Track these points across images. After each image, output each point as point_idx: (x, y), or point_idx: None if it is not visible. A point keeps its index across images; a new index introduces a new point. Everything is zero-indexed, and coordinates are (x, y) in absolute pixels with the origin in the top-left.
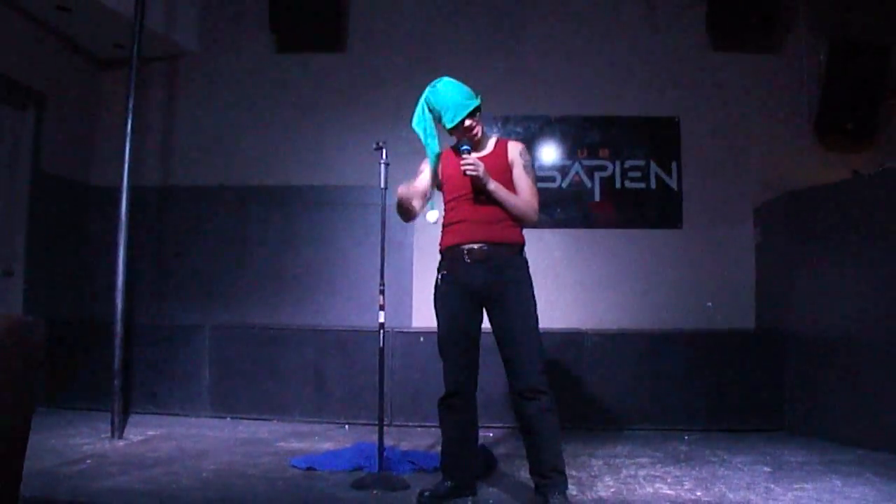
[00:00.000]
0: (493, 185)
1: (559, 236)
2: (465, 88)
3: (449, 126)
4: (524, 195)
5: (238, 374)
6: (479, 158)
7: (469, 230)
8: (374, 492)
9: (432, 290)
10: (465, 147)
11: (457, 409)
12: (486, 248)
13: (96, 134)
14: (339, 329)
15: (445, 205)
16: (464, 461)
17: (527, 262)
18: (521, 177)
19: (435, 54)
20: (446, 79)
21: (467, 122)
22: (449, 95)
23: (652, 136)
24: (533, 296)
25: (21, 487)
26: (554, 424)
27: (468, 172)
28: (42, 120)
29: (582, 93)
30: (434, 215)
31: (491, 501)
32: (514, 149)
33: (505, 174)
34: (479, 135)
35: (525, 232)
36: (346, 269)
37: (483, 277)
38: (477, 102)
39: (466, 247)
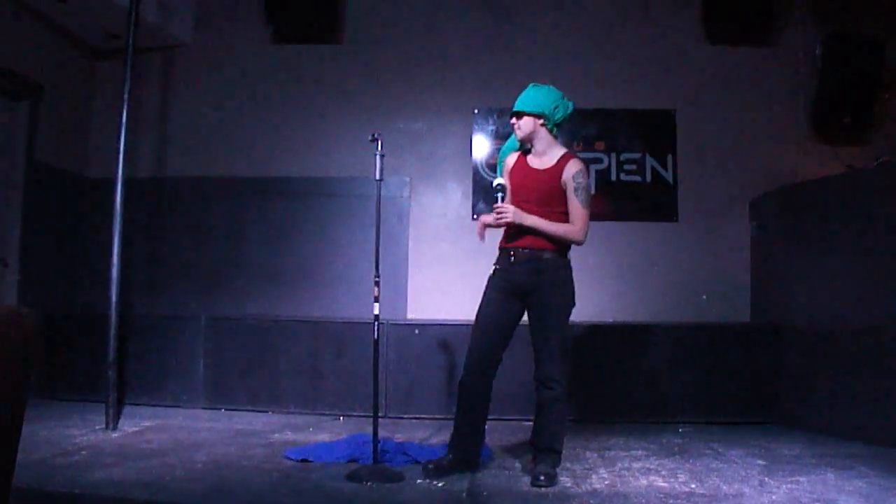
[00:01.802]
0: (529, 222)
1: None
2: (535, 96)
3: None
4: (572, 220)
5: (233, 365)
6: (536, 170)
7: (517, 234)
8: (369, 483)
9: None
10: (498, 193)
11: (470, 389)
12: (529, 251)
13: (91, 125)
14: (334, 321)
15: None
16: (468, 439)
17: (568, 265)
18: (571, 199)
19: (431, 46)
20: (534, 84)
21: (512, 120)
22: (521, 94)
23: (648, 128)
24: (569, 297)
25: (14, 478)
26: (562, 413)
27: (493, 224)
28: (37, 110)
29: (577, 85)
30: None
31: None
32: (570, 169)
33: (553, 191)
34: (520, 136)
35: None
36: (342, 261)
37: (525, 277)
38: (521, 108)
39: (513, 249)
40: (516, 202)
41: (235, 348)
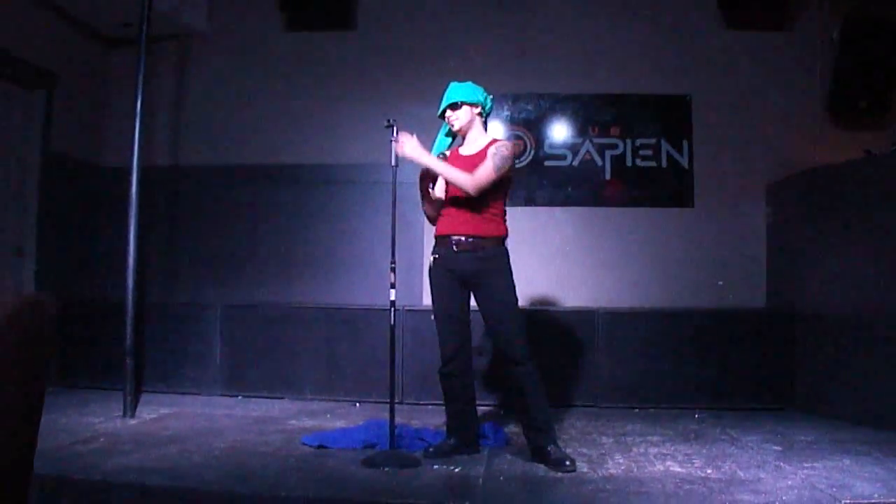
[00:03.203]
0: (425, 160)
1: (570, 214)
2: (467, 88)
3: (438, 114)
4: (475, 171)
5: (249, 352)
6: (465, 157)
7: (457, 222)
8: (385, 469)
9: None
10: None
11: (453, 375)
12: (471, 240)
13: (106, 114)
14: (350, 307)
15: (444, 195)
16: (464, 421)
17: (507, 252)
18: (485, 161)
19: (444, 32)
20: (455, 82)
21: (448, 113)
22: (447, 91)
23: (663, 114)
24: (512, 281)
25: (34, 465)
26: (539, 387)
27: (399, 153)
28: (52, 100)
29: (593, 70)
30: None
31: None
32: (493, 145)
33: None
34: (457, 127)
35: (535, 210)
36: (357, 248)
37: (468, 265)
38: (458, 99)
39: (455, 237)
40: (451, 192)
41: (252, 335)
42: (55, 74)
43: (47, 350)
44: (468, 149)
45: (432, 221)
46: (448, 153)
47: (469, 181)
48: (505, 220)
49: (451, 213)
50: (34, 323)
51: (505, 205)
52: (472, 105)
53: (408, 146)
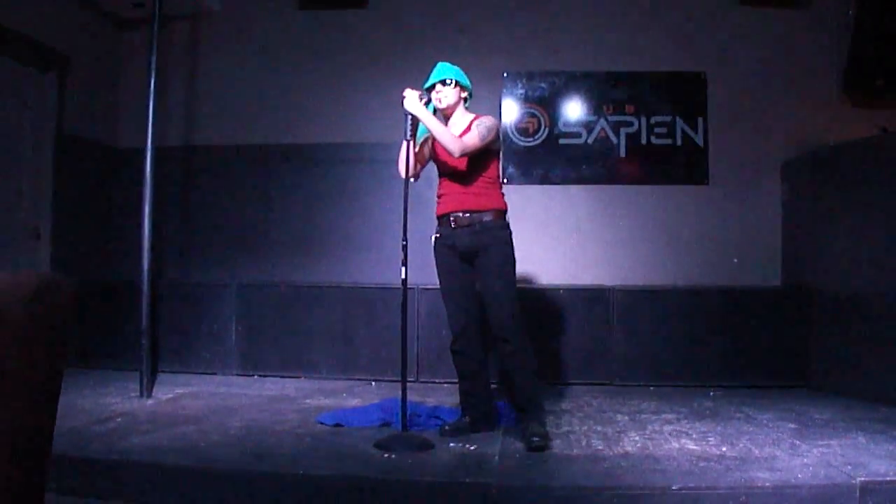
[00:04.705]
0: (421, 114)
1: (585, 192)
2: (459, 71)
3: (424, 87)
4: (461, 135)
5: (265, 331)
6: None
7: (454, 201)
8: (392, 456)
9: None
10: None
11: (464, 350)
12: (468, 215)
13: (119, 95)
14: (364, 286)
15: (438, 179)
16: (477, 398)
17: (506, 226)
18: (471, 130)
19: (458, 10)
20: (444, 63)
21: (437, 87)
22: (437, 68)
23: (678, 91)
24: (511, 256)
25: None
26: (526, 365)
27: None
28: (65, 82)
29: (607, 48)
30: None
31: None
32: (476, 119)
33: None
34: (443, 104)
35: (550, 188)
36: (372, 226)
37: (466, 239)
38: (451, 76)
39: (452, 215)
40: (443, 172)
41: (267, 315)
42: (68, 56)
43: (67, 331)
44: (454, 129)
45: (409, 172)
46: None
47: (457, 143)
48: (502, 194)
49: (446, 193)
50: (54, 304)
51: (499, 179)
52: (461, 87)
53: (409, 100)
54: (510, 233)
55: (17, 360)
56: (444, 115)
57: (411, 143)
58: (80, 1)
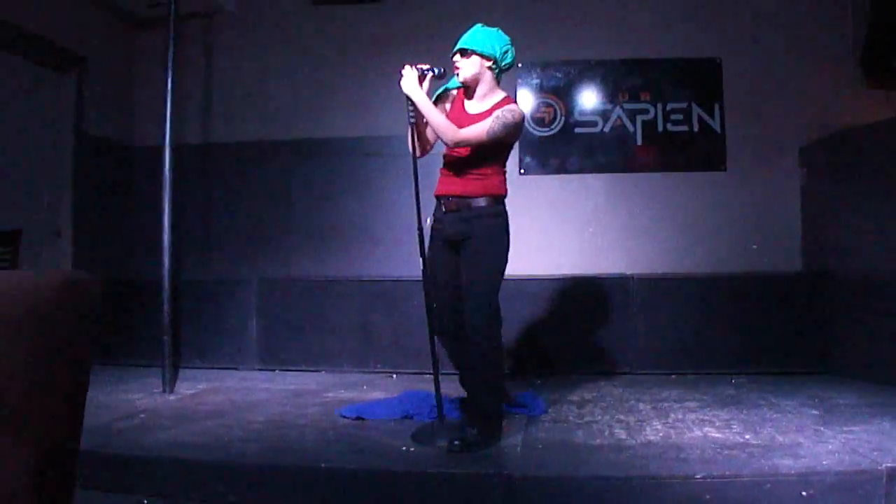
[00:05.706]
0: (414, 94)
1: (602, 181)
2: (485, 36)
3: (451, 56)
4: (481, 117)
5: (285, 326)
6: (470, 115)
7: (448, 182)
8: (439, 445)
9: None
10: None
11: (445, 344)
12: (458, 200)
13: (136, 94)
14: (384, 279)
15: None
16: (464, 388)
17: (499, 213)
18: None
19: (472, 2)
20: (482, 25)
21: (456, 58)
22: (466, 33)
23: (694, 78)
24: (497, 248)
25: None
26: (487, 368)
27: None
28: (83, 82)
29: (621, 36)
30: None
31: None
32: (500, 108)
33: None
34: (461, 77)
35: (567, 177)
36: (390, 219)
37: (454, 226)
38: (468, 46)
39: (444, 198)
40: (449, 149)
41: (287, 309)
42: (84, 57)
43: (92, 328)
44: (475, 106)
45: (416, 153)
46: (455, 93)
47: (450, 134)
48: (502, 182)
49: (444, 173)
50: (80, 302)
51: (504, 167)
52: (483, 57)
53: (405, 79)
54: (504, 220)
55: (46, 358)
56: (467, 89)
57: (413, 127)
58: (95, 2)
